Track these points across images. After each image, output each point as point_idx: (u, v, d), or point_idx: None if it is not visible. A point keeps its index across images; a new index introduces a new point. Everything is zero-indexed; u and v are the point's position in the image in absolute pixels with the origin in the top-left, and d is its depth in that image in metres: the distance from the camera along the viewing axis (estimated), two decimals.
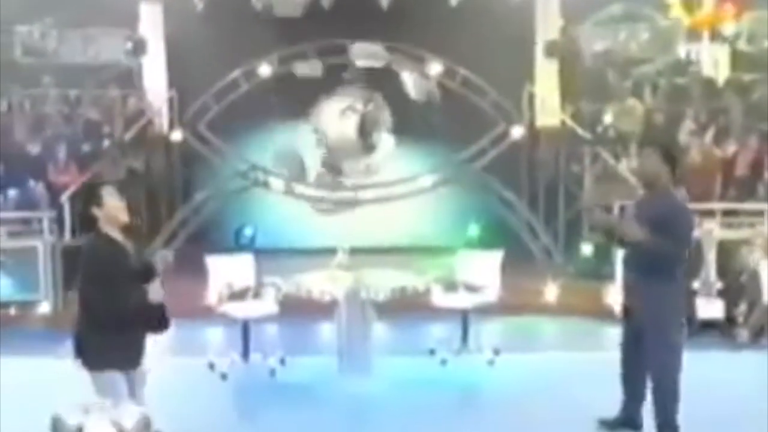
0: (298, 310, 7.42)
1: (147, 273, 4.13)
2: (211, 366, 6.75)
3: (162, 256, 4.15)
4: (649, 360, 5.01)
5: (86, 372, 4.12)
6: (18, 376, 6.46)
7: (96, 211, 4.13)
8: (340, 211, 10.99)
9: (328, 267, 7.00)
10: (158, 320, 4.10)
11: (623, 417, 5.28)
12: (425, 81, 10.76)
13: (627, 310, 5.22)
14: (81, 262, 4.15)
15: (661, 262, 4.86)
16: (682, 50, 11.30)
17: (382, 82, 10.78)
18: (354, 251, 7.12)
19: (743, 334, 7.81)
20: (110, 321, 3.99)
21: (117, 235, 4.16)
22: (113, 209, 4.15)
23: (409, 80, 10.74)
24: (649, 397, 5.08)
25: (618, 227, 4.99)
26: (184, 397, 6.12)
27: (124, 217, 4.19)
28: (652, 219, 4.86)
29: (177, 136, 11.13)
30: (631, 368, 5.18)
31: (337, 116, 10.94)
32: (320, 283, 6.70)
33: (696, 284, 8.01)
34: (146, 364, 4.34)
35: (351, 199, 11.03)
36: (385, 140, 11.01)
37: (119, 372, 4.08)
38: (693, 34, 11.39)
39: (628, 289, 5.19)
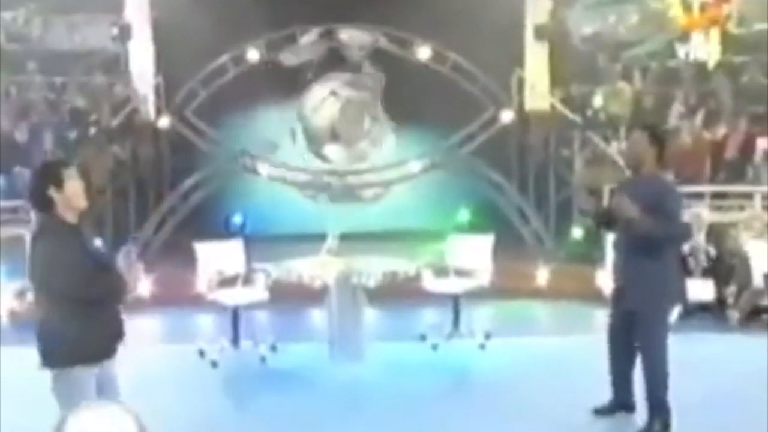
0: (289, 297, 7.41)
1: (107, 265, 3.84)
2: (202, 353, 6.71)
3: (126, 252, 3.91)
4: (640, 341, 5.02)
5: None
6: (11, 368, 6.40)
7: (54, 193, 3.78)
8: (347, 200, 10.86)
9: (318, 253, 6.98)
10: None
11: (616, 402, 5.28)
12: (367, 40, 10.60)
13: (617, 294, 5.22)
14: (37, 252, 3.79)
15: (651, 243, 4.84)
16: (681, 51, 11.22)
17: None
18: (344, 237, 7.10)
19: (734, 316, 7.84)
20: (79, 307, 3.73)
21: (73, 219, 3.85)
22: (73, 194, 3.83)
23: (349, 39, 10.60)
24: (639, 378, 5.09)
25: (613, 207, 4.98)
26: (174, 384, 6.11)
27: (82, 202, 3.87)
28: (640, 200, 4.83)
29: (164, 122, 11.00)
30: (620, 351, 5.17)
31: (321, 102, 10.88)
32: (311, 269, 6.69)
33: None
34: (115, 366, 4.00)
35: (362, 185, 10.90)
36: (380, 126, 10.94)
37: (89, 367, 3.80)
38: (686, 36, 11.33)
39: (619, 272, 5.19)
